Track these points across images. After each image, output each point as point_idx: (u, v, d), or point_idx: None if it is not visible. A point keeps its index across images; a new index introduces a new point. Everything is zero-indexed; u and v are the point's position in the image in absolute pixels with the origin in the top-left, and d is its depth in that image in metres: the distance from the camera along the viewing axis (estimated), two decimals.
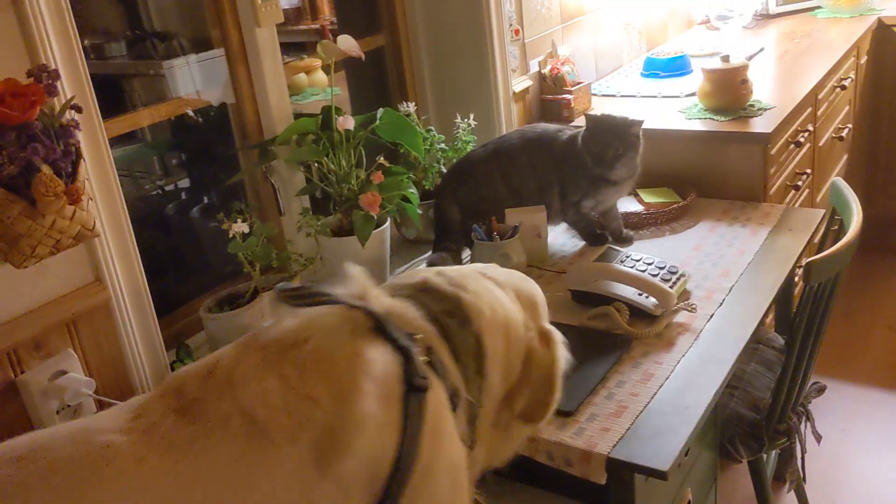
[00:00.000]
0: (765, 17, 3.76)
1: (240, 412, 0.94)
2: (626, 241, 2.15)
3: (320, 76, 2.43)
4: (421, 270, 1.30)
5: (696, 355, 1.67)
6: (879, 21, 3.53)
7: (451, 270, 1.27)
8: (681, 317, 1.79)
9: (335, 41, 1.89)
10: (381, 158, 1.95)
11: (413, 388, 1.03)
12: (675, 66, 2.98)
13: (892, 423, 2.73)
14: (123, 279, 1.56)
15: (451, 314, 1.17)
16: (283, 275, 1.89)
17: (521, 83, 2.60)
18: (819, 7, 3.75)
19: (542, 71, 2.67)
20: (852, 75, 3.20)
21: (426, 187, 2.23)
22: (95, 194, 1.49)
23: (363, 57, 1.90)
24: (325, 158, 1.91)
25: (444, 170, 2.24)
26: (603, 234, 2.15)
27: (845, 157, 3.33)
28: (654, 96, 2.79)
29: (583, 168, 2.03)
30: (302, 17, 3.36)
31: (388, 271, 2.04)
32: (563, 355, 1.30)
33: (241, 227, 1.71)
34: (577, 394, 1.56)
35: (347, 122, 1.89)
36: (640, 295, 1.80)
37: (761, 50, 3.22)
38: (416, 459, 1.00)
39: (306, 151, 1.90)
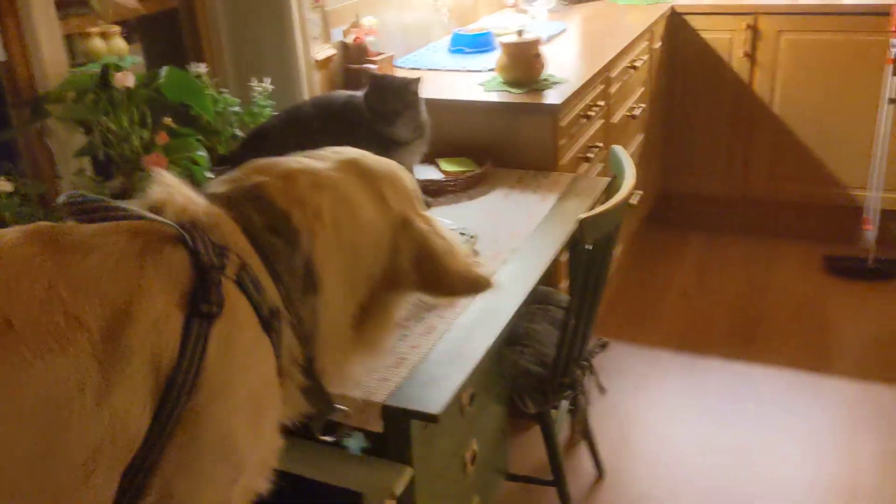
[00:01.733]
0: (570, 1, 3.93)
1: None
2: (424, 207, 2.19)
3: (119, 43, 2.32)
4: (268, 167, 1.18)
5: (478, 309, 1.72)
6: (672, 9, 3.77)
7: (306, 174, 1.17)
8: None
9: None
10: (168, 119, 1.89)
11: (197, 314, 0.96)
12: (480, 43, 3.06)
13: (681, 382, 2.93)
14: None
15: (277, 231, 1.09)
16: None
17: (323, 51, 2.58)
18: None
19: (345, 40, 2.67)
20: (645, 58, 3.40)
21: (221, 152, 2.17)
22: None
23: (140, 9, 1.83)
24: (105, 118, 1.82)
25: (240, 133, 2.19)
26: None
27: (642, 136, 3.54)
28: (459, 70, 2.85)
29: (371, 131, 2.04)
30: None
31: None
32: (431, 229, 1.26)
33: (2, 185, 1.60)
34: None
35: (127, 79, 1.81)
36: None
37: (563, 31, 3.36)
38: (195, 387, 0.94)
39: (81, 109, 1.81)
